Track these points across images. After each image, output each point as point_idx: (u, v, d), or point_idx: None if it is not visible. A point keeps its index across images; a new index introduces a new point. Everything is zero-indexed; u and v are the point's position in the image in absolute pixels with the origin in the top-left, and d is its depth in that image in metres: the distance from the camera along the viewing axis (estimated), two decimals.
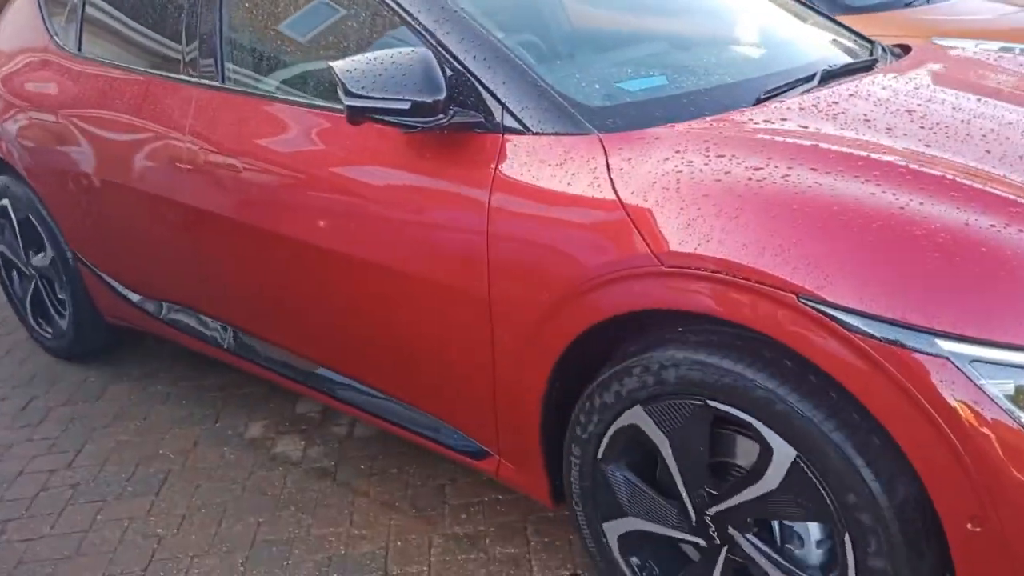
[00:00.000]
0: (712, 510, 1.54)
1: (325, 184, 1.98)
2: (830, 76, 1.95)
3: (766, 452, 1.42)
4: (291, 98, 2.14)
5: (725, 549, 1.56)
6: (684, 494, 1.57)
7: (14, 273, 3.34)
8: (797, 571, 1.46)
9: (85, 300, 3.04)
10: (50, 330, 3.24)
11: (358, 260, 1.94)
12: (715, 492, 1.53)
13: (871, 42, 2.45)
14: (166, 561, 2.18)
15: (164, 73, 2.49)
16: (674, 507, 1.60)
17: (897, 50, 2.40)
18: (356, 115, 1.74)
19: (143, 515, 2.36)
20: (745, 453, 1.50)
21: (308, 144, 2.05)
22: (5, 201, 3.17)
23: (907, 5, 4.69)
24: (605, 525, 1.73)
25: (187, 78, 2.41)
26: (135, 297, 2.83)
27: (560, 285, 1.59)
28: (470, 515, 2.25)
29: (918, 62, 2.15)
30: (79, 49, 2.85)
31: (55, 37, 2.96)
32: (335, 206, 1.97)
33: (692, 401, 1.48)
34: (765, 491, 1.45)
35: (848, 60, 2.15)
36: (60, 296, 3.13)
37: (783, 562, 1.48)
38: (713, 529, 1.56)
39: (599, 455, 1.67)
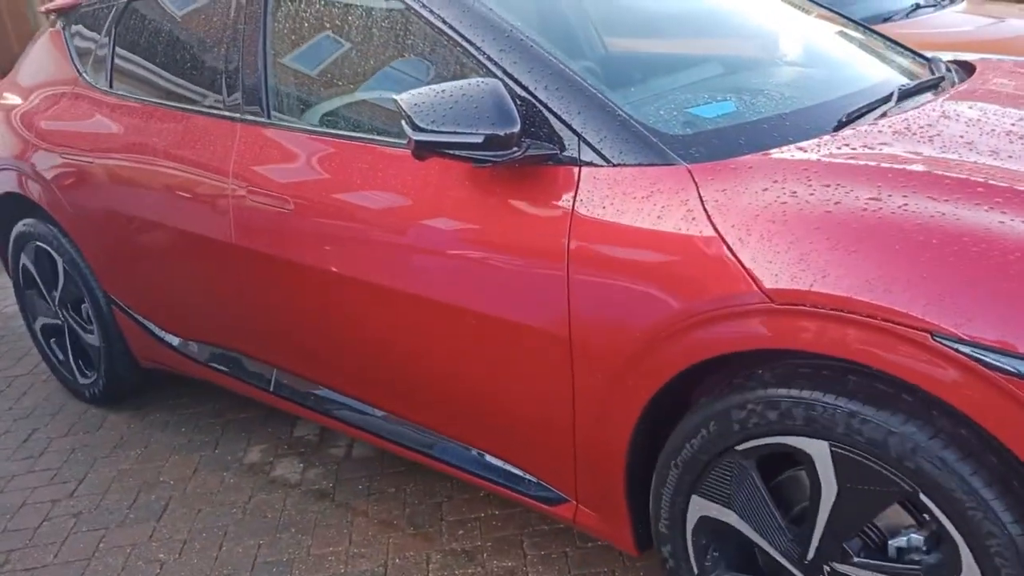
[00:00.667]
0: (839, 567, 1.45)
1: (385, 223, 1.91)
2: (906, 95, 1.88)
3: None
4: (343, 133, 2.06)
5: None
6: (817, 535, 1.47)
7: (40, 316, 3.26)
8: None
9: (119, 344, 2.95)
10: (82, 375, 3.15)
11: (425, 301, 1.86)
12: (849, 551, 1.44)
13: (927, 58, 2.39)
14: None
15: (204, 109, 2.42)
16: (793, 536, 1.51)
17: (955, 65, 2.33)
18: (424, 150, 1.66)
19: (145, 541, 2.40)
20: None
21: (363, 181, 1.97)
22: (33, 243, 3.09)
23: (887, 20, 4.69)
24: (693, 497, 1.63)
25: (229, 114, 2.33)
26: (174, 340, 2.74)
27: (651, 326, 1.51)
28: (467, 531, 2.29)
29: (991, 78, 2.08)
30: (110, 86, 2.78)
31: (84, 75, 2.89)
32: (398, 245, 1.89)
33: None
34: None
35: (915, 79, 2.08)
36: (90, 340, 3.04)
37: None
38: None
39: (737, 448, 1.54)
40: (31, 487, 2.72)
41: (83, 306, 3.02)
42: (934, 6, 5.01)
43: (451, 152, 1.64)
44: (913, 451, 1.29)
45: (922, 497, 1.31)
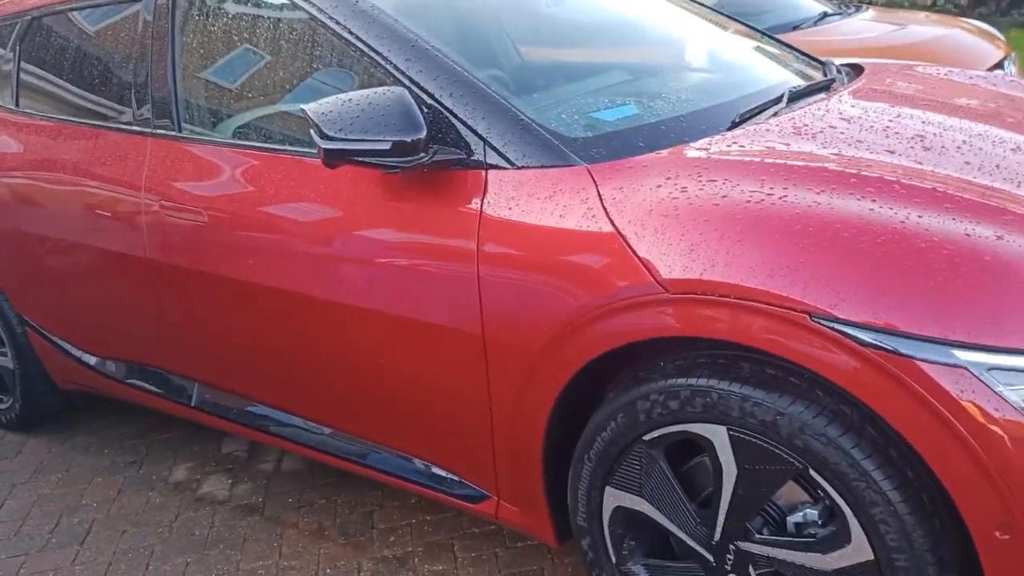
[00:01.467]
0: (743, 545, 1.52)
1: (300, 232, 1.92)
2: (796, 96, 1.98)
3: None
4: (256, 144, 2.08)
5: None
6: (721, 517, 1.53)
7: None
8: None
9: (35, 366, 2.88)
10: None
11: (342, 307, 1.88)
12: (751, 530, 1.51)
13: (822, 62, 2.51)
14: None
15: (114, 124, 2.40)
16: (701, 520, 1.58)
17: (847, 68, 2.46)
18: (333, 158, 1.69)
19: (68, 565, 2.36)
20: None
21: (277, 192, 1.99)
22: None
23: (795, 28, 4.89)
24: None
25: (139, 128, 2.32)
26: (91, 359, 2.70)
27: (559, 321, 1.56)
28: (398, 537, 2.30)
29: (877, 80, 2.20)
30: (16, 104, 2.73)
31: None
32: (313, 253, 1.91)
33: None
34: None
35: (807, 81, 2.20)
36: (3, 363, 2.97)
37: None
38: (731, 560, 1.54)
39: (644, 438, 1.59)
40: None
41: None
42: (840, 14, 5.24)
43: (360, 159, 1.67)
44: (801, 430, 1.37)
45: (812, 473, 1.39)
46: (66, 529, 2.51)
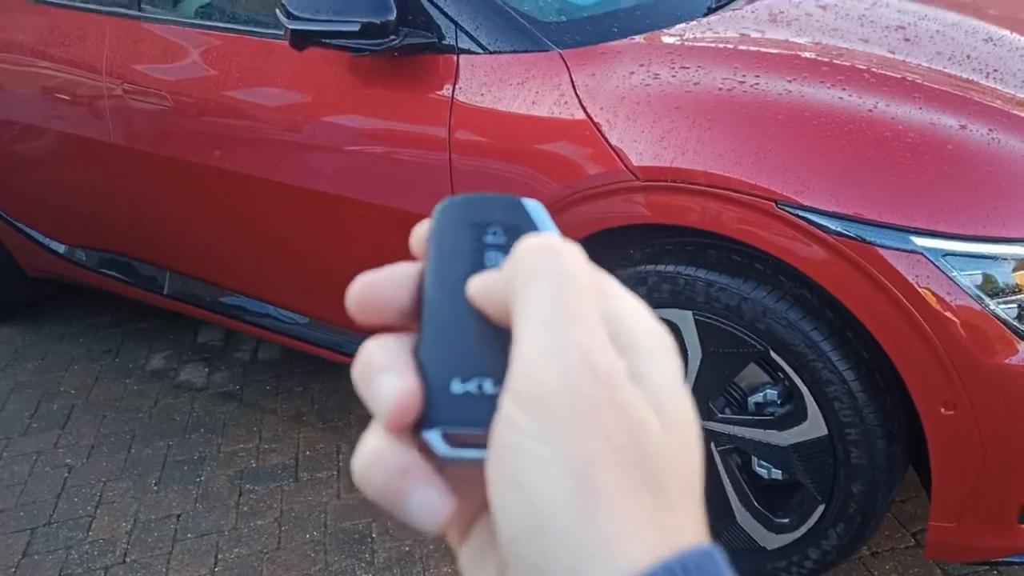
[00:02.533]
0: (705, 424, 1.59)
1: (268, 117, 1.89)
2: None
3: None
4: (221, 25, 2.01)
5: None
6: None
7: None
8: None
9: (2, 253, 2.85)
10: None
11: (312, 194, 1.88)
12: (713, 410, 1.58)
13: None
14: (79, 487, 2.22)
15: (74, 3, 2.30)
16: None
17: None
18: (300, 40, 1.65)
19: (51, 448, 2.38)
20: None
21: (243, 75, 1.94)
22: None
23: None
24: None
25: (96, 7, 2.23)
26: (60, 248, 2.68)
27: None
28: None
29: None
30: None
31: None
32: (282, 139, 1.88)
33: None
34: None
35: None
36: None
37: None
38: None
39: None
40: None
41: None
42: None
43: (328, 41, 1.64)
44: (763, 313, 1.42)
45: (772, 355, 1.45)
46: (46, 414, 2.52)
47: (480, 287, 0.30)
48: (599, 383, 0.26)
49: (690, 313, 1.52)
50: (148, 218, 2.31)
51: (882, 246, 1.27)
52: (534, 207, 0.33)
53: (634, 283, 1.55)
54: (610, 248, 1.65)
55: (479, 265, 0.31)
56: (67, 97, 2.28)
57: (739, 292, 1.44)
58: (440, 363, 0.29)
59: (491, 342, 0.29)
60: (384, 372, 0.29)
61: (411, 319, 0.31)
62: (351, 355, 1.75)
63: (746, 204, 1.34)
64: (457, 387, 0.29)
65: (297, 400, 2.48)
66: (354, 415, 2.38)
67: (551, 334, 0.26)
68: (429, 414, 0.28)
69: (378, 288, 0.31)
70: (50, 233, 2.68)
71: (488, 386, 0.28)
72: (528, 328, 0.27)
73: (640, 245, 1.60)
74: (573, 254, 0.29)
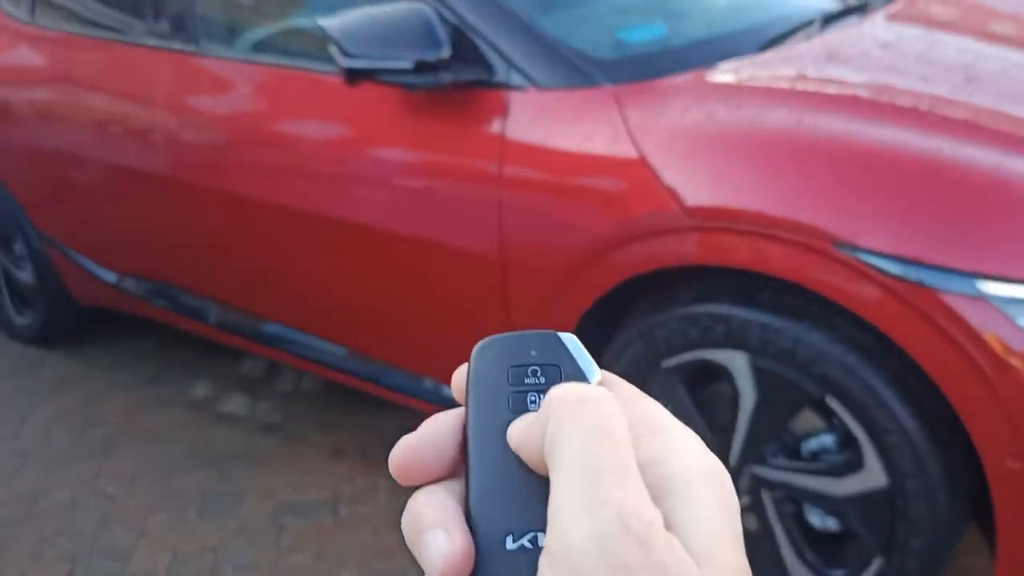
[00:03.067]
0: (757, 469, 1.54)
1: (320, 151, 1.91)
2: (830, 19, 1.93)
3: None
4: (275, 61, 2.04)
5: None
6: (738, 441, 1.55)
7: None
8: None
9: (54, 281, 2.91)
10: (19, 315, 3.11)
11: (362, 228, 1.88)
12: (766, 455, 1.53)
13: None
14: (119, 517, 2.21)
15: (131, 38, 2.36)
16: (717, 445, 1.60)
17: None
18: (354, 76, 1.67)
19: (93, 476, 2.38)
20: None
21: (297, 109, 1.97)
22: None
23: None
24: None
25: (157, 43, 2.28)
26: (111, 277, 2.72)
27: (581, 246, 1.56)
28: None
29: (913, 3, 2.13)
30: (32, 16, 2.69)
31: (2, 4, 2.79)
32: (333, 173, 1.90)
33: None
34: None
35: (841, 2, 2.13)
36: (23, 279, 2.99)
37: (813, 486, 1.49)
38: (746, 485, 1.56)
39: (663, 365, 1.61)
40: None
41: (16, 245, 2.96)
42: None
43: (381, 78, 1.65)
44: (820, 357, 1.37)
45: (828, 400, 1.40)
46: (89, 442, 2.52)
47: (517, 437, 0.29)
48: (634, 542, 0.25)
49: (744, 355, 1.48)
50: (198, 249, 2.34)
51: (945, 290, 1.22)
52: (571, 342, 0.33)
53: (685, 324, 1.52)
54: (660, 288, 1.63)
55: (520, 409, 0.31)
56: (123, 129, 2.33)
57: (794, 335, 1.40)
58: (490, 518, 0.29)
59: (540, 492, 0.28)
60: (433, 530, 0.28)
61: (458, 467, 0.31)
62: (389, 387, 1.74)
63: (802, 245, 1.31)
64: (509, 543, 0.28)
65: (338, 433, 2.47)
66: None
67: (584, 490, 0.26)
68: (480, 573, 0.28)
69: (419, 452, 0.30)
70: (101, 262, 2.72)
71: (542, 540, 0.28)
72: (561, 483, 0.26)
73: (691, 285, 1.57)
74: (606, 403, 0.28)
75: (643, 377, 1.63)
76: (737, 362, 1.50)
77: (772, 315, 1.42)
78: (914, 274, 1.25)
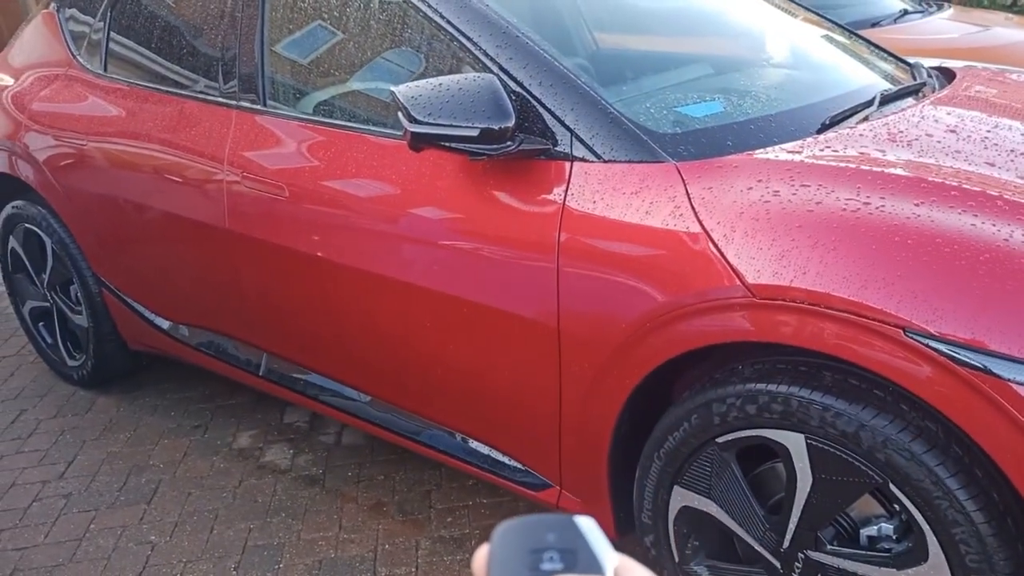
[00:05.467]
0: (813, 555, 1.51)
1: (377, 211, 1.94)
2: (888, 100, 1.94)
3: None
4: (338, 122, 2.10)
5: None
6: (792, 524, 1.53)
7: (28, 299, 3.27)
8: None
9: (108, 325, 2.97)
10: (71, 357, 3.16)
11: (416, 289, 1.90)
12: (822, 540, 1.50)
13: (910, 63, 2.45)
14: (160, 566, 2.24)
15: (199, 94, 2.44)
16: (770, 525, 1.57)
17: (936, 72, 2.40)
18: (420, 142, 1.70)
19: (136, 523, 2.42)
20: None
21: (357, 170, 2.01)
22: (22, 225, 3.09)
23: (874, 25, 4.77)
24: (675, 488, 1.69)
25: (225, 100, 2.36)
26: (164, 323, 2.77)
27: (638, 318, 1.56)
28: (456, 518, 2.32)
29: (970, 85, 2.14)
30: (104, 70, 2.80)
31: (77, 57, 2.90)
32: (390, 233, 1.93)
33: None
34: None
35: (896, 83, 2.14)
36: (78, 322, 3.06)
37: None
38: (799, 569, 1.53)
39: (718, 440, 1.59)
40: (20, 468, 2.73)
41: (72, 288, 3.03)
42: (921, 12, 5.09)
43: (447, 144, 1.68)
44: (883, 443, 1.35)
45: (892, 487, 1.37)
46: (134, 488, 2.58)
47: None
48: None
49: (802, 437, 1.46)
50: (252, 301, 2.37)
51: (1020, 383, 1.20)
52: (588, 526, 0.35)
53: (743, 402, 1.50)
54: (710, 361, 1.62)
55: None
56: (187, 181, 2.39)
57: (857, 419, 1.38)
58: None
59: None
60: None
61: None
62: (428, 446, 1.73)
63: (871, 330, 1.29)
64: None
65: (378, 489, 2.47)
66: (434, 510, 2.35)
67: None
68: None
69: None
70: (156, 309, 2.77)
71: None
72: None
73: (749, 361, 1.56)
74: None
75: (696, 451, 1.61)
76: (795, 442, 1.48)
77: (834, 397, 1.41)
78: (987, 364, 1.23)
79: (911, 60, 2.49)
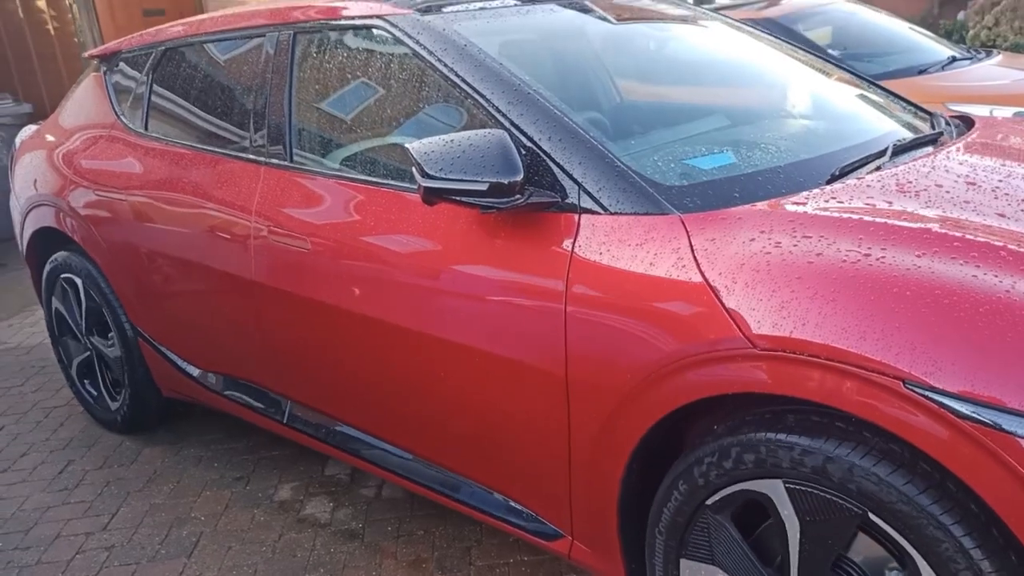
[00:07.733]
0: None
1: (396, 263, 1.99)
2: (901, 150, 1.94)
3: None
4: (360, 177, 2.17)
5: None
6: (793, 574, 1.51)
7: (70, 346, 3.38)
8: None
9: (144, 374, 3.05)
10: (112, 399, 3.25)
11: (432, 339, 1.94)
12: None
13: (929, 113, 2.45)
14: None
15: (231, 151, 2.54)
16: None
17: (956, 121, 2.39)
18: (432, 196, 1.75)
19: None
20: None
21: (377, 223, 2.07)
22: (66, 276, 3.22)
23: (921, 72, 4.73)
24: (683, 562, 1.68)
25: (254, 156, 2.45)
26: (194, 371, 2.84)
27: (643, 367, 1.57)
28: None
29: (988, 135, 2.14)
30: (145, 129, 2.93)
31: (121, 117, 3.04)
32: (407, 284, 1.97)
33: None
34: None
35: (913, 133, 2.14)
36: (114, 370, 3.15)
37: None
38: None
39: (707, 503, 1.60)
40: (65, 519, 2.75)
41: (109, 334, 3.14)
42: (970, 59, 5.05)
43: (458, 198, 1.73)
44: (850, 472, 1.35)
45: (872, 517, 1.36)
46: (175, 541, 2.57)
47: None
48: None
49: (779, 482, 1.46)
50: (278, 351, 2.43)
51: (1022, 436, 1.18)
52: None
53: (719, 457, 1.51)
54: (720, 411, 1.61)
55: None
56: (218, 234, 2.48)
57: (822, 452, 1.38)
58: None
59: None
60: None
61: None
62: (463, 503, 1.74)
63: (871, 382, 1.29)
64: None
65: (418, 544, 2.44)
66: (474, 567, 2.31)
67: None
68: None
69: None
70: (187, 356, 2.85)
71: None
72: None
73: (724, 420, 1.56)
74: None
75: (691, 519, 1.61)
76: (775, 489, 1.47)
77: (797, 435, 1.41)
78: (988, 416, 1.21)
79: (931, 109, 2.49)
